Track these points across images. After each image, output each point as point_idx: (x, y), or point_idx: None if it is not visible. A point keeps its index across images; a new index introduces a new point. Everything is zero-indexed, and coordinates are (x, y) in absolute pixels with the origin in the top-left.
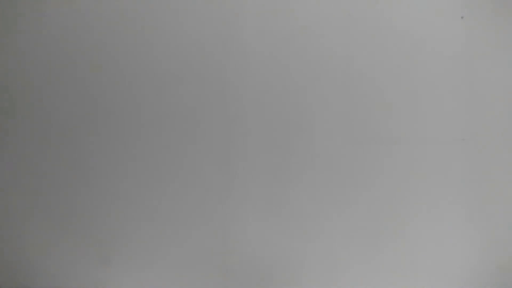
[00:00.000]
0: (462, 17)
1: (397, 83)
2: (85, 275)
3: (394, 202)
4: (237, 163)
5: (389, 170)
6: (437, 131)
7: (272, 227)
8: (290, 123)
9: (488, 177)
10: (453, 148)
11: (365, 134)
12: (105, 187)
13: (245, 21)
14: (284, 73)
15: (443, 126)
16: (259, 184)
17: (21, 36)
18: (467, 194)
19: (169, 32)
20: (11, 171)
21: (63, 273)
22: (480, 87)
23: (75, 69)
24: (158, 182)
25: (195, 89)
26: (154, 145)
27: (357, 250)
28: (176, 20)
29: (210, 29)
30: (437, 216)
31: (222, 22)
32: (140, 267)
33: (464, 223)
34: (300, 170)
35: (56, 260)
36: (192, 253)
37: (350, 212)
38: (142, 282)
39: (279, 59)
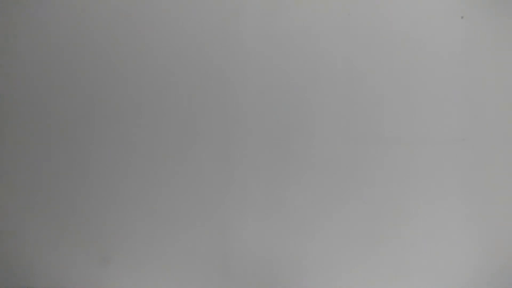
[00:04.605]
0: (462, 17)
1: (396, 83)
2: (85, 275)
3: (394, 202)
4: (237, 163)
5: (389, 170)
6: (437, 131)
7: (272, 227)
8: (289, 122)
9: (489, 177)
10: (453, 148)
11: (365, 134)
12: (105, 187)
13: (245, 21)
14: (284, 72)
15: (443, 126)
16: (259, 184)
17: (21, 36)
18: (467, 194)
19: (169, 32)
20: (10, 171)
21: (62, 273)
22: (480, 87)
23: (75, 68)
24: (158, 182)
25: (195, 88)
26: (153, 145)
27: (356, 250)
28: (175, 19)
29: (209, 28)
30: (437, 216)
31: (222, 22)
32: (139, 267)
33: (464, 223)
34: (300, 169)
35: (56, 260)
36: (192, 253)
37: (349, 212)
38: (142, 282)
39: (279, 59)
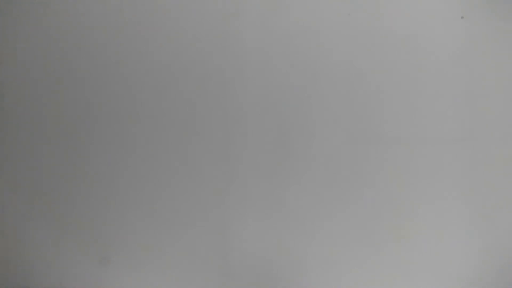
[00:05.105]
0: (462, 17)
1: (396, 83)
2: (85, 275)
3: (394, 202)
4: (237, 163)
5: (389, 170)
6: (437, 131)
7: (272, 226)
8: (289, 122)
9: (489, 177)
10: (453, 148)
11: (365, 134)
12: (105, 187)
13: (245, 21)
14: (284, 72)
15: (443, 126)
16: (259, 184)
17: (21, 35)
18: (468, 194)
19: (169, 32)
20: (11, 171)
21: (62, 273)
22: (480, 87)
23: (75, 68)
24: (158, 182)
25: (194, 88)
26: (153, 145)
27: (357, 250)
28: (175, 19)
29: (209, 28)
30: (437, 216)
31: (222, 22)
32: (139, 267)
33: (464, 223)
34: (300, 169)
35: (56, 260)
36: (192, 253)
37: (349, 212)
38: (142, 282)
39: (279, 59)
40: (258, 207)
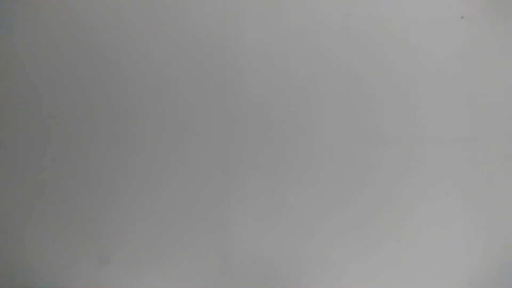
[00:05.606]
0: (462, 17)
1: (396, 83)
2: (85, 275)
3: (394, 202)
4: (237, 163)
5: (389, 170)
6: (437, 131)
7: (272, 227)
8: (290, 122)
9: (489, 177)
10: (453, 148)
11: (365, 133)
12: (104, 187)
13: (245, 21)
14: (284, 72)
15: (443, 126)
16: (259, 184)
17: (21, 36)
18: (468, 194)
19: (169, 32)
20: (11, 171)
21: (62, 273)
22: (480, 87)
23: (75, 68)
24: (158, 182)
25: (195, 88)
26: (153, 145)
27: (357, 250)
28: (175, 20)
29: (209, 28)
30: (437, 216)
31: (222, 22)
32: (139, 267)
33: (464, 223)
34: (300, 169)
35: (56, 260)
36: (192, 253)
37: (349, 212)
38: (142, 282)
39: (279, 59)
40: (258, 207)
